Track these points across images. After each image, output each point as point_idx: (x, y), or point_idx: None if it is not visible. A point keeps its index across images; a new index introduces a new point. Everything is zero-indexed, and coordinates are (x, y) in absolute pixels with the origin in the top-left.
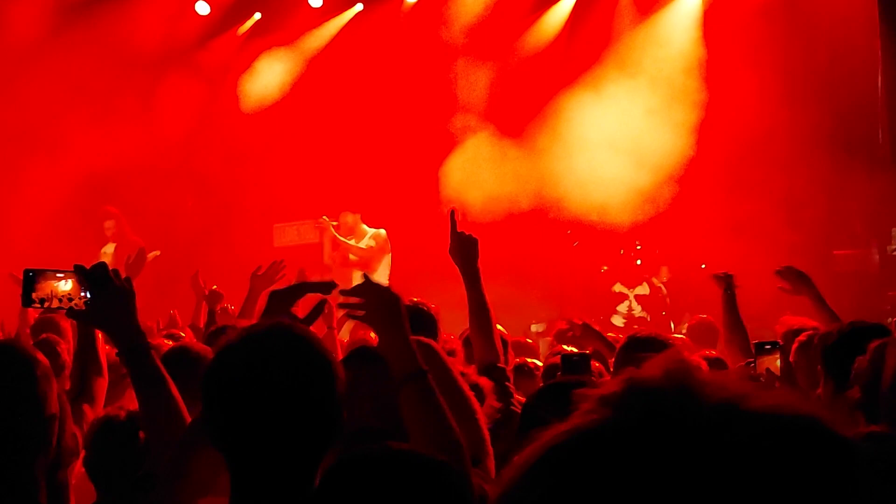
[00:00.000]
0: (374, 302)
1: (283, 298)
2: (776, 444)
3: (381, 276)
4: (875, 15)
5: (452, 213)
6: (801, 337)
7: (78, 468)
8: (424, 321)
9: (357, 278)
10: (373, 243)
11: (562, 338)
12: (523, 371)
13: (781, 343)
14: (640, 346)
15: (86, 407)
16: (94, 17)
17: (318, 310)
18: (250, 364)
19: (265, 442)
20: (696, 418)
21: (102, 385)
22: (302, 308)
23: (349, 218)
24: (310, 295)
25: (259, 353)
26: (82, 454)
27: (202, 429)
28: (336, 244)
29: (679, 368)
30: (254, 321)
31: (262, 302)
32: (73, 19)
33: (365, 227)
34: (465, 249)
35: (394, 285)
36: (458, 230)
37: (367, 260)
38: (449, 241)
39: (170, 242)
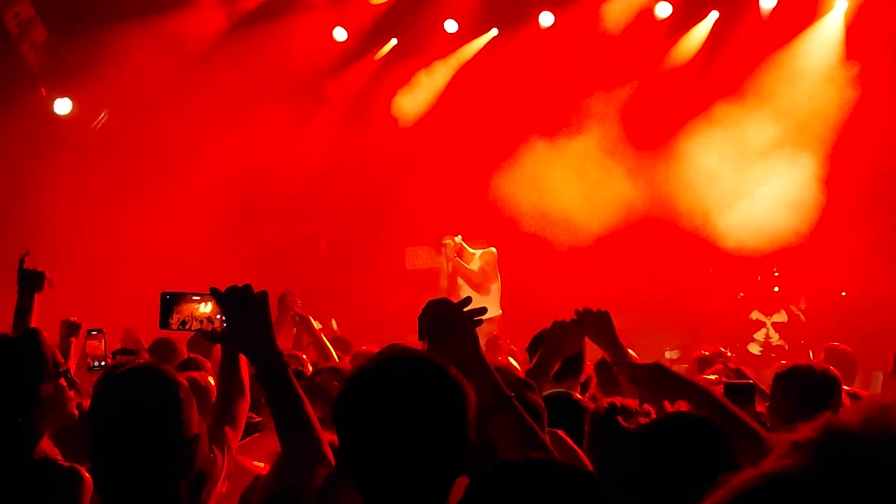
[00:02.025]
0: (445, 322)
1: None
2: None
3: (493, 298)
4: None
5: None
6: None
7: (218, 489)
8: (574, 364)
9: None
10: (481, 264)
11: (703, 365)
12: None
13: None
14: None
15: (227, 428)
16: (239, 44)
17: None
18: (384, 389)
19: (398, 468)
20: None
21: (245, 406)
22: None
23: (454, 240)
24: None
25: (392, 378)
26: (224, 474)
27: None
28: (454, 268)
29: (881, 415)
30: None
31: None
32: (218, 47)
33: (469, 248)
34: (597, 325)
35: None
36: (584, 309)
37: (479, 283)
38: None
39: (308, 264)
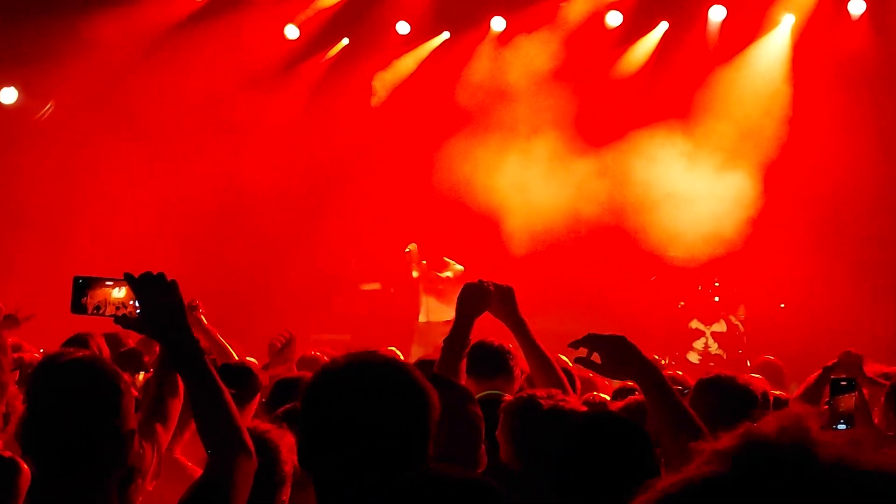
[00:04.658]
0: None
1: None
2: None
3: (451, 308)
4: None
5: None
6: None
7: (146, 486)
8: (501, 361)
9: (427, 304)
10: (450, 275)
11: None
12: (591, 406)
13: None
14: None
15: (158, 426)
16: (185, 40)
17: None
18: (349, 387)
19: (356, 464)
20: (812, 474)
21: (177, 406)
22: None
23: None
24: None
25: (358, 377)
26: (151, 471)
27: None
28: (422, 272)
29: (795, 425)
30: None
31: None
32: (168, 41)
33: (446, 259)
34: (502, 301)
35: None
36: (488, 283)
37: (443, 291)
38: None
39: (255, 263)
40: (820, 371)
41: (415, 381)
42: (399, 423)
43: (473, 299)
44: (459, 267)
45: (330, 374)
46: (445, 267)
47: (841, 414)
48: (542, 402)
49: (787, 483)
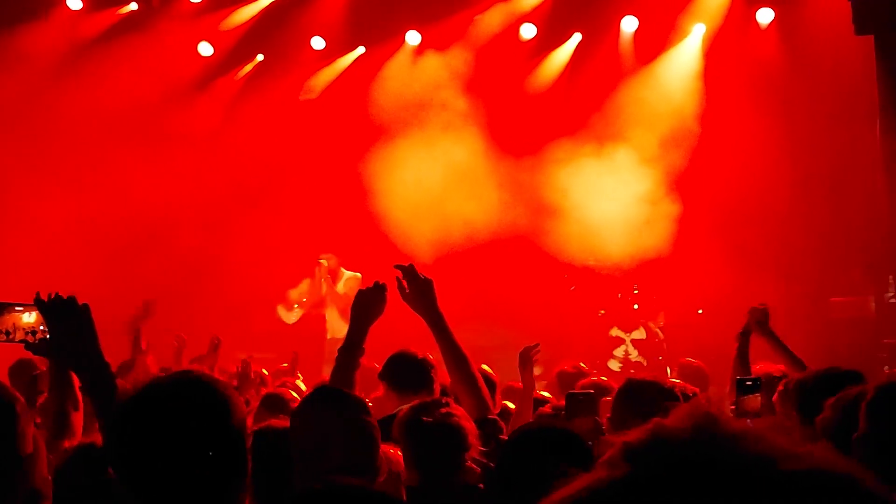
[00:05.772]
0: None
1: None
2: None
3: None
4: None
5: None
6: (780, 386)
7: None
8: (421, 371)
9: (332, 318)
10: (346, 290)
11: (565, 380)
12: (507, 416)
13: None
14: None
15: (66, 444)
16: (99, 56)
17: None
18: (147, 406)
19: (164, 480)
20: (726, 473)
21: (79, 419)
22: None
23: (332, 261)
24: None
25: (158, 394)
26: None
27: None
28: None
29: (706, 419)
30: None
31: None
32: (77, 59)
33: (343, 269)
34: (421, 293)
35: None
36: (410, 275)
37: (343, 308)
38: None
39: (172, 280)
40: (737, 346)
41: (213, 389)
42: (200, 429)
43: (367, 306)
44: (356, 274)
45: (136, 395)
46: (341, 277)
47: (746, 413)
48: (429, 412)
49: (691, 485)
